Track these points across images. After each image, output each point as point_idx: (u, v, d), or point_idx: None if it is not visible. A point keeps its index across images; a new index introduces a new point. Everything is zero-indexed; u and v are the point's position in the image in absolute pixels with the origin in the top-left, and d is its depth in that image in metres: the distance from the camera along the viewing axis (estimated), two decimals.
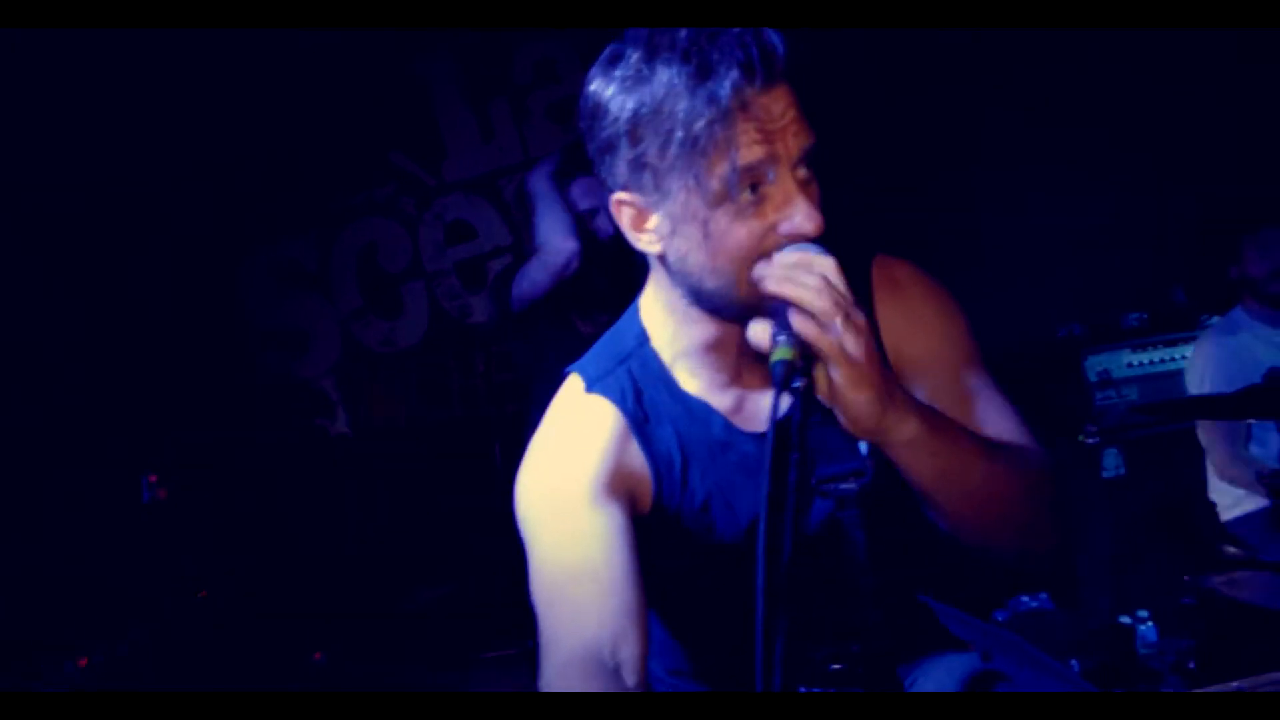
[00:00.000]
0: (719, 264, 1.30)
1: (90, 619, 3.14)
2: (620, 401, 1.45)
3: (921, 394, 1.45)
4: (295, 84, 4.19)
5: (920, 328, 1.48)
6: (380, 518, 4.24)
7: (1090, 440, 3.37)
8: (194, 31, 3.75)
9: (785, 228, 1.28)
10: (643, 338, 1.48)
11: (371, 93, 4.33)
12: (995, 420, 1.47)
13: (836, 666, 1.47)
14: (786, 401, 1.18)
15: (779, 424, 1.15)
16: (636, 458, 1.44)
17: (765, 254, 1.29)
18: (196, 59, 4.00)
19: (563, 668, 1.29)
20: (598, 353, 1.52)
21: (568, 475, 1.42)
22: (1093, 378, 3.70)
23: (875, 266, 1.49)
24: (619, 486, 1.42)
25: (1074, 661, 2.95)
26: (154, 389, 4.01)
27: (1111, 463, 3.45)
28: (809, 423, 1.19)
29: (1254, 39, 3.43)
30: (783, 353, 1.19)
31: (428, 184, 4.49)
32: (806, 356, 1.20)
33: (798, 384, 1.19)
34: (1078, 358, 3.75)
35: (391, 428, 4.54)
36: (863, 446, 1.44)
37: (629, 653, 1.30)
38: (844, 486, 1.44)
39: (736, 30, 1.28)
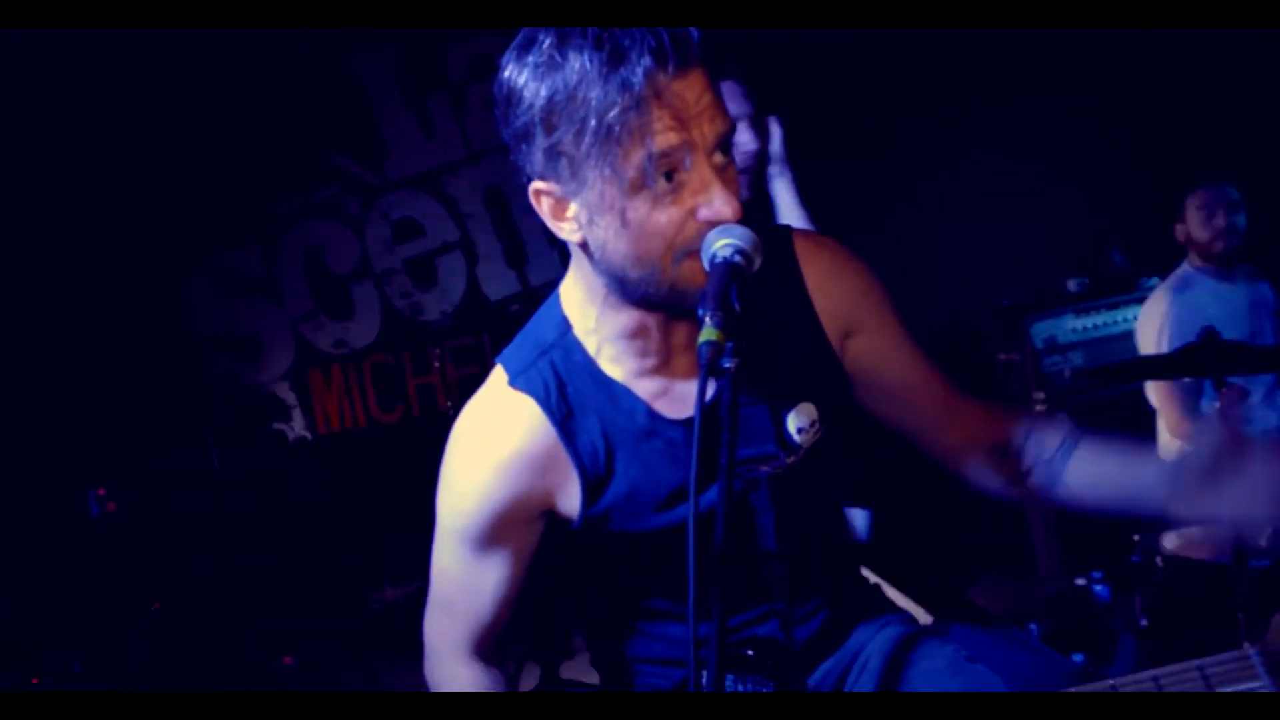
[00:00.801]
0: (639, 252, 1.30)
1: (42, 636, 3.11)
2: (543, 397, 1.45)
3: (869, 356, 1.50)
4: (231, 89, 4.14)
5: (856, 293, 1.50)
6: (343, 519, 4.23)
7: (1039, 407, 3.42)
8: (127, 41, 3.71)
9: (704, 214, 1.28)
10: (564, 326, 1.48)
11: (309, 95, 4.29)
12: (943, 377, 1.54)
13: (750, 653, 1.50)
14: (712, 385, 1.20)
15: (707, 407, 1.17)
16: (558, 461, 1.45)
17: (685, 241, 1.30)
18: (129, 69, 3.95)
19: (430, 621, 1.59)
20: (520, 343, 1.52)
21: (467, 497, 1.46)
22: (1039, 344, 3.76)
23: (796, 241, 1.50)
24: (522, 511, 1.46)
25: (1032, 625, 3.01)
26: (101, 402, 3.96)
27: None
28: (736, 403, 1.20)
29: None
30: (710, 334, 1.20)
31: (371, 183, 4.46)
32: (734, 337, 1.21)
33: (727, 364, 1.20)
34: (1022, 325, 3.80)
35: (350, 429, 4.53)
36: (792, 427, 1.47)
37: (475, 648, 1.56)
38: (759, 470, 1.47)
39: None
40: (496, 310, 4.55)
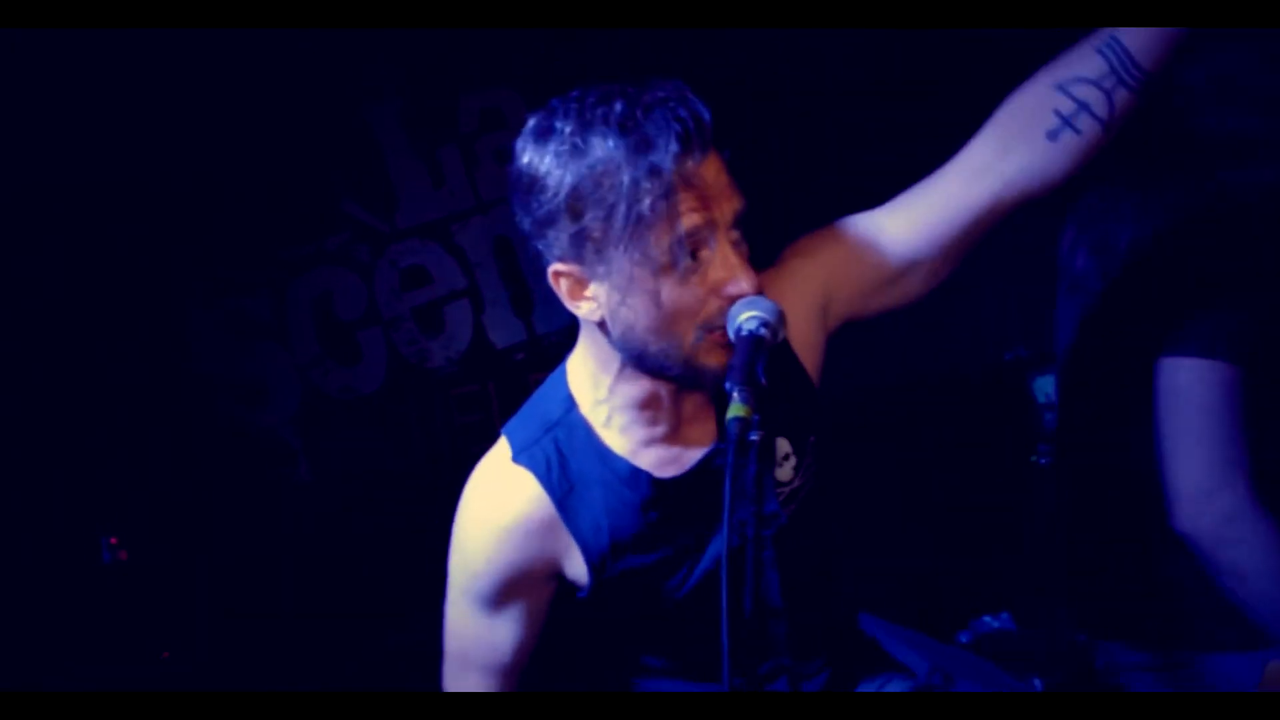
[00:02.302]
0: (665, 327, 1.34)
1: (52, 686, 3.10)
2: (544, 475, 1.48)
3: (855, 290, 1.51)
4: (243, 134, 4.20)
5: (813, 288, 1.54)
6: (349, 566, 4.23)
7: (1043, 460, 3.42)
8: (139, 82, 3.76)
9: (730, 290, 1.33)
10: (569, 404, 1.51)
11: (322, 142, 4.35)
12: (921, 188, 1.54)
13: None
14: (694, 455, 1.22)
15: (686, 477, 1.18)
16: (558, 538, 1.48)
17: (708, 317, 1.33)
18: (149, 105, 4.00)
19: (448, 676, 1.68)
20: (525, 416, 1.56)
21: (475, 560, 1.50)
22: (1040, 399, 3.77)
23: (764, 286, 1.53)
24: (528, 574, 1.50)
25: (1036, 680, 3.00)
26: (109, 449, 3.97)
27: None
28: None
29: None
30: (738, 409, 1.23)
31: (381, 231, 4.51)
32: (759, 411, 1.24)
33: (754, 437, 1.23)
34: (1025, 380, 3.81)
35: (355, 475, 4.54)
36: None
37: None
38: (760, 530, 1.49)
39: (671, 101, 1.31)
40: (502, 358, 4.58)
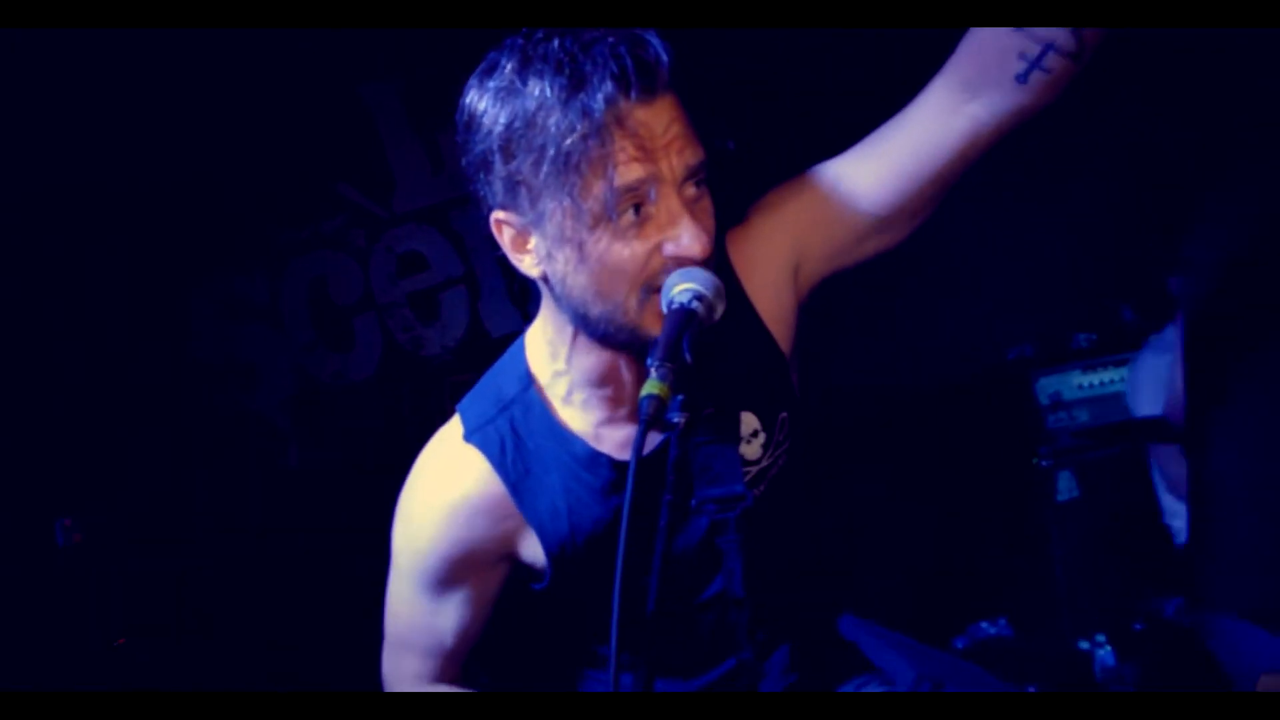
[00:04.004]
0: (599, 287, 1.26)
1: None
2: (498, 457, 1.41)
3: (826, 249, 1.43)
4: (240, 115, 4.14)
5: (783, 245, 1.45)
6: (333, 551, 4.18)
7: (1044, 463, 3.37)
8: (137, 62, 3.71)
9: (669, 249, 1.24)
10: (526, 380, 1.44)
11: (320, 124, 4.29)
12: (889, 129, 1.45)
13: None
14: (657, 436, 1.15)
15: (648, 459, 1.11)
16: (511, 519, 1.41)
17: (650, 276, 1.25)
18: (139, 90, 3.94)
19: (388, 660, 1.60)
20: (480, 393, 1.49)
21: (420, 538, 1.44)
22: (1044, 400, 3.72)
23: (729, 247, 1.45)
24: (476, 556, 1.43)
25: (1031, 687, 2.94)
26: (85, 427, 3.89)
27: (1065, 485, 3.45)
28: (695, 445, 1.15)
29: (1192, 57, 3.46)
30: (653, 387, 1.15)
31: (379, 216, 4.44)
32: (684, 390, 1.16)
33: (676, 419, 1.15)
34: (1028, 380, 3.76)
35: (346, 461, 4.49)
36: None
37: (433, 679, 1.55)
38: (724, 513, 1.42)
39: (613, 37, 1.21)
40: (498, 346, 4.50)
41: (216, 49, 3.82)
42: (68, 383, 3.98)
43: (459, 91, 1.33)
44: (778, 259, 1.44)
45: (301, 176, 4.34)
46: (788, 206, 1.45)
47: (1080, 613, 3.20)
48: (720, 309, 1.24)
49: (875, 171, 1.42)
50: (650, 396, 1.15)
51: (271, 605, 3.88)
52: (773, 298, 1.44)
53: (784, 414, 1.45)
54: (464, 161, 1.31)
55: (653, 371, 1.17)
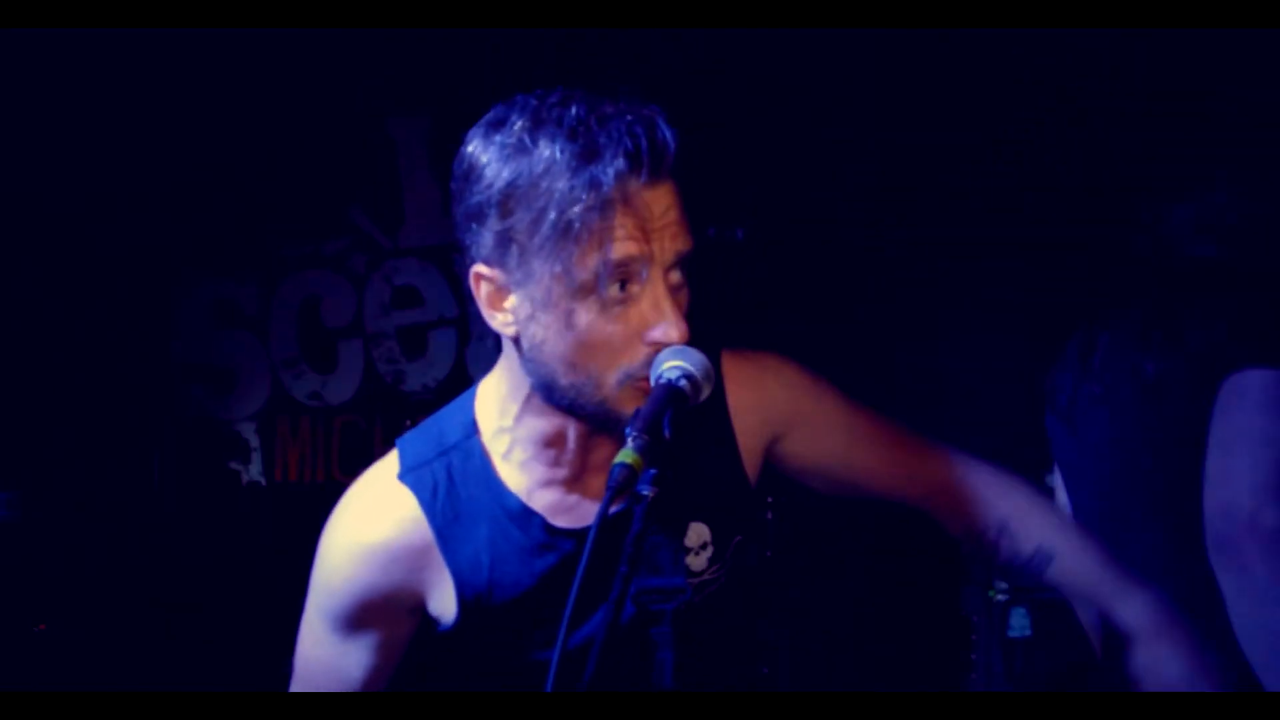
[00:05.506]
0: (577, 358, 1.25)
1: None
2: (429, 500, 1.39)
3: (804, 449, 1.46)
4: (266, 124, 4.18)
5: (781, 400, 1.47)
6: (283, 569, 4.11)
7: (1000, 596, 3.35)
8: (165, 63, 3.75)
9: (652, 335, 1.23)
10: (470, 429, 1.42)
11: (341, 147, 4.32)
12: (906, 459, 1.54)
13: None
14: (618, 504, 1.13)
15: (607, 524, 1.10)
16: (432, 562, 1.39)
17: (634, 365, 1.25)
18: (166, 89, 3.98)
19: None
20: (424, 432, 1.46)
21: (336, 576, 1.41)
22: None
23: (724, 361, 1.45)
24: (389, 602, 1.41)
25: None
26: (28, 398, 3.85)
27: (1019, 622, 3.42)
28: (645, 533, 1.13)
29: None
30: (627, 456, 1.13)
31: (382, 245, 4.46)
32: (655, 465, 1.14)
33: (646, 491, 1.13)
34: None
35: (307, 483, 4.44)
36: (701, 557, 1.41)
37: None
38: (661, 604, 1.40)
39: (630, 116, 1.24)
40: None
41: (254, 57, 3.87)
42: (41, 361, 3.96)
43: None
44: (770, 418, 1.47)
45: (314, 194, 4.36)
46: (806, 398, 1.50)
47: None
48: (706, 391, 1.23)
49: (879, 458, 1.53)
50: (623, 465, 1.12)
51: (210, 609, 3.80)
52: (752, 436, 1.45)
53: (739, 538, 1.45)
54: (456, 209, 1.31)
55: (629, 441, 1.14)
